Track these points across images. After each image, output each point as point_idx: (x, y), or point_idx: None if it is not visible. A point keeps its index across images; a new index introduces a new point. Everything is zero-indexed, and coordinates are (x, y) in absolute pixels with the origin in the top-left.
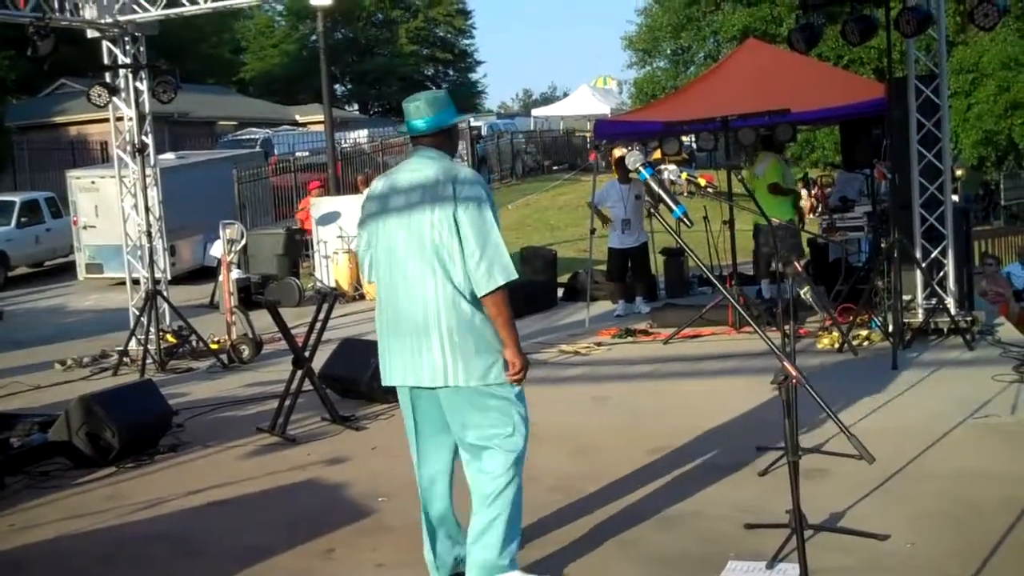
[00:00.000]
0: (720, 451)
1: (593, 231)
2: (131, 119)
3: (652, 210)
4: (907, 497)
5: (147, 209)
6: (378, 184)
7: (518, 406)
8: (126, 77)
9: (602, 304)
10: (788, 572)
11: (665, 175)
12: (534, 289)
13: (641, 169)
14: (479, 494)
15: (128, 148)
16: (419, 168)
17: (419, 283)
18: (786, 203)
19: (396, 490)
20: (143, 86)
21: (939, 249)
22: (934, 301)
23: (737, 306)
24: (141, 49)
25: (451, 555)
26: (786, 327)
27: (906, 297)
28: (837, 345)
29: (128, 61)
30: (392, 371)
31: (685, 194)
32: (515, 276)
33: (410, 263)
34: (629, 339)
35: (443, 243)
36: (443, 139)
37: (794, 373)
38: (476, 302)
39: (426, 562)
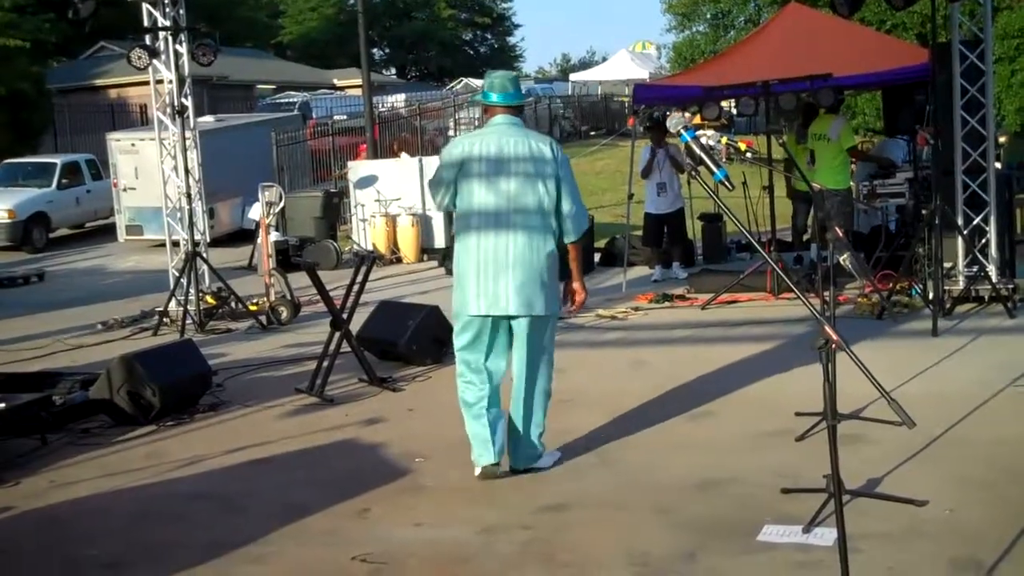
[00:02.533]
0: (758, 416)
1: (631, 196)
2: (171, 82)
3: (693, 173)
4: (946, 463)
5: (187, 171)
6: (474, 145)
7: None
8: (165, 40)
9: (639, 269)
10: (825, 536)
11: (704, 140)
12: None
13: (683, 131)
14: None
15: (168, 111)
16: (516, 135)
17: (523, 223)
18: (850, 170)
19: (432, 451)
20: (183, 49)
21: (981, 216)
22: (975, 269)
23: (778, 270)
24: (181, 12)
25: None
26: (826, 293)
27: (947, 264)
28: (877, 312)
29: (168, 24)
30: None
31: (725, 159)
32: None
33: (516, 204)
34: (666, 304)
35: (549, 198)
36: (522, 110)
37: (834, 337)
38: (557, 246)
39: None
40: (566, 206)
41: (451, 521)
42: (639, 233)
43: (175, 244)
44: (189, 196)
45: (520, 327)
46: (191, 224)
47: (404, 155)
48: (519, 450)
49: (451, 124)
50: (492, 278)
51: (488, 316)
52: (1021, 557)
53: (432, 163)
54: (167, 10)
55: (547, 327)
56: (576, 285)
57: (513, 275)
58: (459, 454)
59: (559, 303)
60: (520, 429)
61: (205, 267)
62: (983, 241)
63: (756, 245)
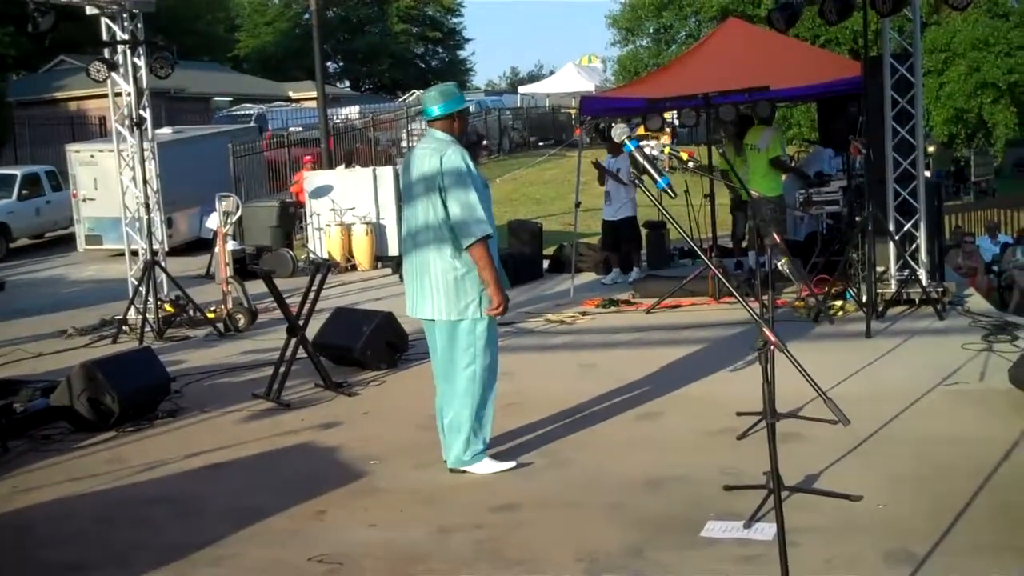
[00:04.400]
0: (702, 416)
1: (578, 204)
2: (129, 94)
3: (636, 182)
4: (880, 460)
5: (145, 182)
6: (404, 163)
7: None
8: (124, 53)
9: (586, 275)
10: (765, 531)
11: (648, 150)
12: (520, 261)
13: (626, 141)
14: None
15: (126, 123)
16: (427, 145)
17: (424, 236)
18: (781, 178)
19: (387, 453)
20: (141, 62)
21: (911, 222)
22: (906, 272)
23: (719, 275)
24: (139, 26)
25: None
26: (764, 296)
27: (879, 269)
28: (813, 315)
29: (126, 37)
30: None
31: (668, 169)
32: (489, 232)
33: (420, 219)
34: (612, 309)
35: (443, 208)
36: (446, 123)
37: (773, 339)
38: (459, 251)
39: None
40: (452, 214)
41: (406, 522)
42: (587, 240)
43: (134, 253)
44: (147, 206)
45: (436, 331)
46: (149, 234)
47: (342, 167)
48: (449, 451)
49: (404, 135)
50: (414, 284)
51: (423, 320)
52: (951, 549)
53: (385, 174)
54: (126, 24)
55: (459, 332)
56: (489, 291)
57: (423, 282)
58: (413, 456)
59: (478, 310)
60: (447, 431)
61: (163, 276)
62: (914, 246)
63: (698, 251)
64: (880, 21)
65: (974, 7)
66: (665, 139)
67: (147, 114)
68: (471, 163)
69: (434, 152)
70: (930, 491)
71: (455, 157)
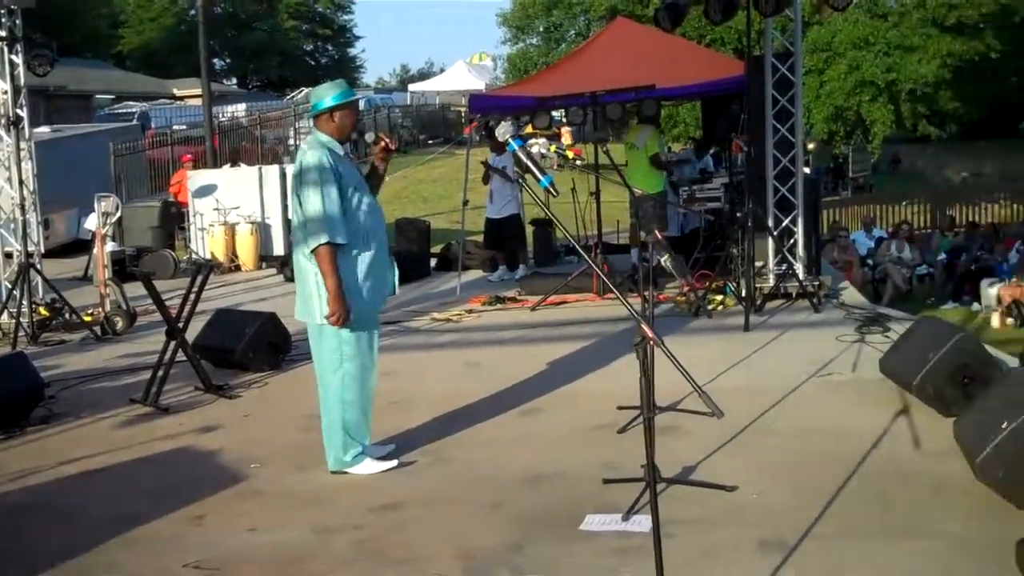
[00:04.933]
0: (584, 411)
1: (466, 203)
2: (5, 92)
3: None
4: (755, 450)
5: (21, 182)
6: None
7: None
8: (1, 50)
9: (474, 273)
10: (643, 523)
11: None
12: (407, 259)
13: (510, 140)
14: None
15: (2, 121)
16: (303, 145)
17: (296, 237)
18: (661, 175)
19: (268, 456)
20: (18, 59)
21: (790, 218)
22: (784, 267)
23: (599, 272)
24: (17, 22)
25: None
26: (646, 292)
27: (758, 264)
28: (694, 309)
29: (3, 34)
30: None
31: (555, 167)
32: (335, 239)
33: (294, 220)
34: (498, 306)
35: (299, 207)
36: (323, 121)
37: (650, 335)
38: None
39: None
40: (301, 215)
41: (286, 524)
42: (474, 238)
43: (8, 256)
44: (23, 207)
45: (308, 332)
46: (24, 235)
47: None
48: (329, 453)
49: (291, 134)
50: (297, 286)
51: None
52: (822, 534)
53: (271, 173)
54: (3, 20)
55: (325, 335)
56: (328, 298)
57: (298, 284)
58: (295, 458)
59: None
60: (324, 433)
61: (39, 278)
62: (792, 241)
63: (578, 248)
64: (763, 21)
65: (854, 7)
66: (567, 138)
67: (24, 113)
68: (336, 162)
69: (302, 151)
70: (803, 480)
71: (311, 157)
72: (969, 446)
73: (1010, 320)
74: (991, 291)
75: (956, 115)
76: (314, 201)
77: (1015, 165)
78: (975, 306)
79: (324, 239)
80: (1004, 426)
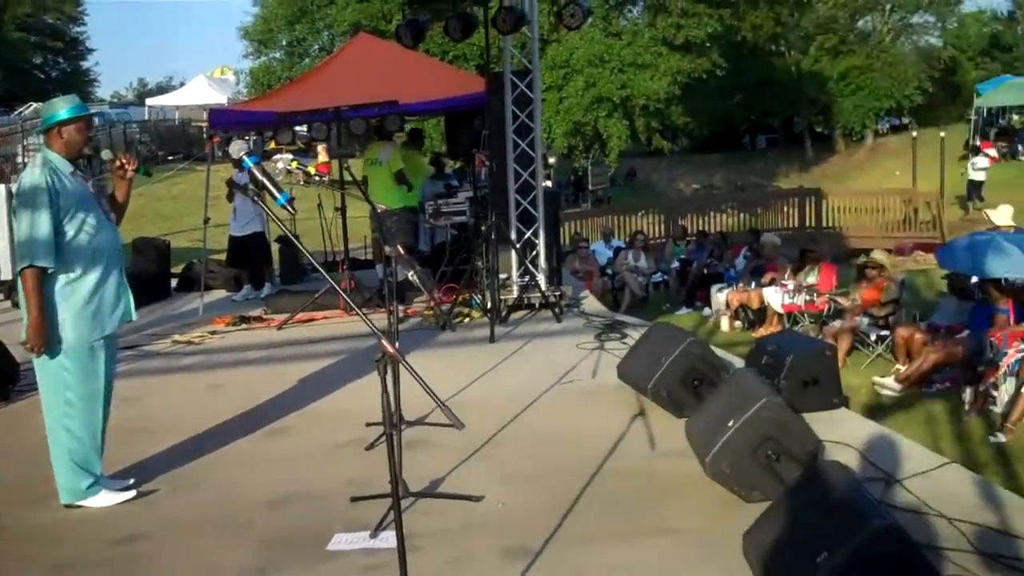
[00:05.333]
0: (332, 429)
1: (207, 220)
2: None
3: (256, 198)
4: (501, 460)
5: None
6: None
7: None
8: None
9: (217, 293)
10: (390, 539)
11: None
12: (146, 280)
13: (245, 158)
14: None
15: None
16: None
17: None
18: (405, 190)
19: None
20: None
21: (532, 230)
22: (527, 278)
23: (338, 289)
24: None
25: None
26: (390, 308)
27: (503, 276)
28: (441, 323)
29: None
30: None
31: (301, 183)
32: (28, 262)
33: None
34: (243, 326)
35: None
36: (52, 137)
37: (391, 351)
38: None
39: None
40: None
41: (19, 564)
42: (217, 257)
43: None
44: None
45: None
46: None
47: None
48: (61, 486)
49: (19, 151)
50: None
51: None
52: (564, 540)
53: None
54: None
55: (47, 362)
56: (27, 324)
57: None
58: (26, 493)
59: (57, 340)
60: (54, 465)
61: None
62: (534, 253)
63: (317, 266)
64: (502, 39)
65: (590, 26)
66: (322, 155)
67: None
68: (57, 180)
69: (26, 170)
70: (547, 486)
71: (28, 176)
72: (699, 445)
73: (738, 323)
74: (720, 296)
75: (687, 130)
76: (24, 222)
77: (741, 177)
78: (706, 311)
79: (27, 261)
80: (731, 424)
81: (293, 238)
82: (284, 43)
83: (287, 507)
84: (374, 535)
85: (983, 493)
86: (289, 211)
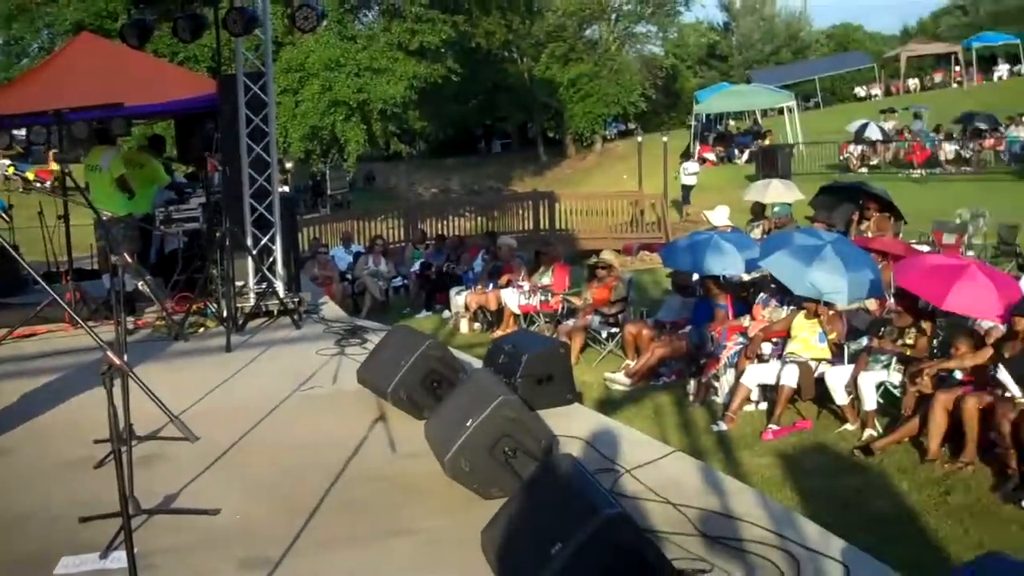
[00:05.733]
0: (57, 448)
1: None
2: None
3: None
4: (238, 471)
5: None
6: None
7: None
8: None
9: None
10: (121, 559)
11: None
12: None
13: None
14: None
15: None
16: None
17: None
18: (126, 196)
19: None
20: None
21: (268, 236)
22: (264, 285)
23: (60, 301)
24: None
25: None
26: (119, 319)
27: (239, 283)
28: (175, 333)
29: None
30: None
31: (21, 189)
32: None
33: None
34: None
35: None
36: None
37: (117, 362)
38: None
39: None
40: None
41: None
42: None
43: None
44: None
45: None
46: None
47: None
48: None
49: None
50: None
51: None
52: (304, 548)
53: None
54: None
55: None
56: None
57: None
58: None
59: None
60: None
61: None
62: (271, 259)
63: (37, 277)
64: (235, 41)
65: (325, 29)
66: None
67: None
68: None
69: None
70: (285, 495)
71: None
72: (438, 445)
73: (476, 325)
74: (459, 299)
75: (425, 134)
76: None
77: (478, 181)
78: (446, 313)
79: None
80: (469, 424)
81: (11, 248)
82: (1, 42)
83: (9, 533)
84: (104, 556)
85: (706, 479)
86: (3, 219)
